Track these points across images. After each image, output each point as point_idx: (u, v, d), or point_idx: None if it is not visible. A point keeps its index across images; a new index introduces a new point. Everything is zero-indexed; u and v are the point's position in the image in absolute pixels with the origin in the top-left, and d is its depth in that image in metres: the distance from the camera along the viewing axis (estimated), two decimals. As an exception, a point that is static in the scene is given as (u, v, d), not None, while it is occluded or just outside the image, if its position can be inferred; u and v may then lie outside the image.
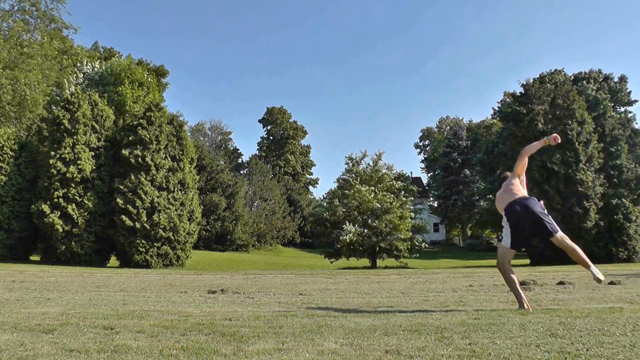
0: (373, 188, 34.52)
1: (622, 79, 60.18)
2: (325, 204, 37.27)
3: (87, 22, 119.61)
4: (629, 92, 59.91)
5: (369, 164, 37.37)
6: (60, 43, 37.62)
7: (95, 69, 37.13)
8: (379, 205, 33.18)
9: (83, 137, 26.90)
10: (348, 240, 31.93)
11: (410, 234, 34.23)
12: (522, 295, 6.52)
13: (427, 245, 38.91)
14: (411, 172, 59.76)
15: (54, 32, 36.47)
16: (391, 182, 35.74)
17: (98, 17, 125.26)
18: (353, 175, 36.47)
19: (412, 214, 35.66)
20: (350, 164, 37.48)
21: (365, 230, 32.64)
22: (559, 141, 6.65)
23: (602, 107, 41.86)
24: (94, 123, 27.57)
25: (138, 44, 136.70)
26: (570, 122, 35.33)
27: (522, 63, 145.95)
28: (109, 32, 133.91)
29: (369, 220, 33.14)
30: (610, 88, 55.20)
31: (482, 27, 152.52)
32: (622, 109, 56.89)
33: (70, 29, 37.18)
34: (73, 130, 26.65)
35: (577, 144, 35.02)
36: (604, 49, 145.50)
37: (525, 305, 6.30)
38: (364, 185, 34.55)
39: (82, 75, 36.07)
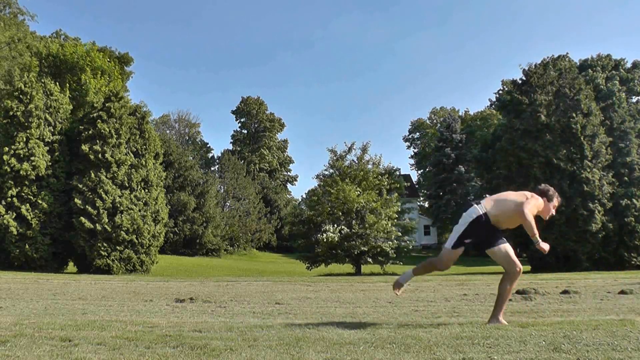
0: (357, 186, 34.17)
1: (636, 65, 57.06)
2: (307, 203, 36.87)
3: (49, 9, 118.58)
4: (644, 80, 56.64)
5: (353, 160, 37.08)
6: (15, 30, 37.35)
7: (49, 51, 36.68)
8: (364, 205, 32.94)
9: (37, 130, 26.65)
10: (328, 241, 31.71)
11: (399, 234, 34.13)
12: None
13: (415, 244, 38.71)
14: (399, 169, 59.67)
15: (8, 19, 36.23)
16: (378, 179, 35.40)
17: (61, 3, 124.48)
18: (336, 171, 36.15)
19: (397, 206, 35.24)
20: (335, 158, 37.13)
21: (349, 232, 32.34)
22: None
23: (614, 98, 41.18)
24: (47, 115, 27.31)
25: (103, 31, 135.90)
26: (575, 114, 34.93)
27: (525, 48, 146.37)
28: (73, 19, 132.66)
29: (353, 222, 32.85)
30: (622, 77, 52.77)
31: (480, 6, 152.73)
32: (635, 99, 54.71)
33: (27, 15, 37.12)
34: (27, 124, 26.41)
35: (582, 138, 34.88)
36: (612, 32, 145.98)
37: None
38: (348, 183, 34.14)
39: (35, 58, 35.63)
